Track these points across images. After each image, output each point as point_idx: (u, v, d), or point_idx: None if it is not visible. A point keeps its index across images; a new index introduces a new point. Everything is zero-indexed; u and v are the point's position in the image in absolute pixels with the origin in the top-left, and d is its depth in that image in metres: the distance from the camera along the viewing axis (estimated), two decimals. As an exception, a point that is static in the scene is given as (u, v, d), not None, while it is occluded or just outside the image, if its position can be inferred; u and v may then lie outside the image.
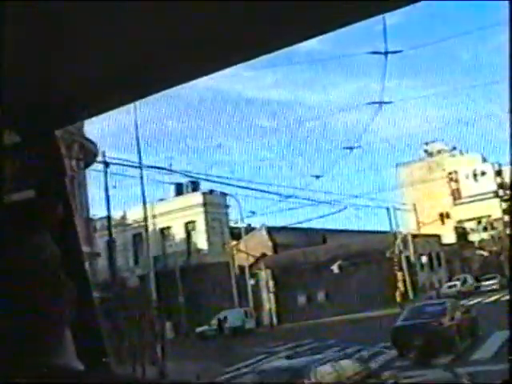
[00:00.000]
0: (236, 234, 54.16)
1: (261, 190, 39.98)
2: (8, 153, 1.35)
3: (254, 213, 47.43)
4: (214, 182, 57.49)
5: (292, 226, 56.65)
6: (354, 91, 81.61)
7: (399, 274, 45.11)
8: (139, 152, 29.83)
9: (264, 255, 57.15)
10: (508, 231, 79.70)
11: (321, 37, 1.40)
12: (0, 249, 0.94)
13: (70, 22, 1.18)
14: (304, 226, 56.10)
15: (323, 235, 61.78)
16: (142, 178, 30.43)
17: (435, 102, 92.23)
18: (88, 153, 24.76)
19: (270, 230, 59.30)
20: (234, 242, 47.06)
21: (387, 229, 52.65)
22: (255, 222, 61.18)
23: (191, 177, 43.10)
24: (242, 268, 49.72)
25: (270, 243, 59.81)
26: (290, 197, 37.04)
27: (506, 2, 1.24)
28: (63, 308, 0.97)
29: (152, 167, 35.91)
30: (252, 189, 46.60)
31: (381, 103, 27.40)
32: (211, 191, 48.24)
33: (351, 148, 32.97)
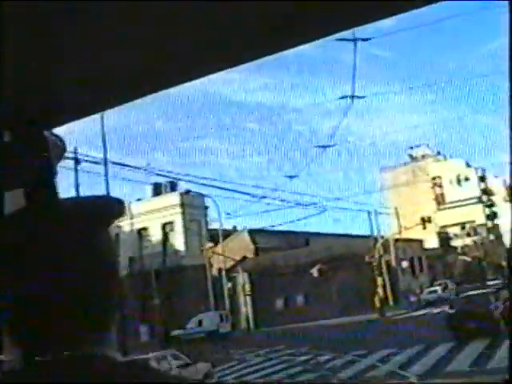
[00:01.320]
0: (217, 236, 53.36)
1: (241, 192, 39.13)
2: None
3: (229, 214, 46.62)
4: (193, 182, 56.49)
5: (274, 229, 56.31)
6: (340, 94, 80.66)
7: (379, 279, 44.27)
8: (105, 149, 28.73)
9: (245, 258, 56.38)
10: (491, 237, 79.57)
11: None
12: (66, 244, 1.01)
13: (66, 22, 1.18)
14: (287, 228, 55.68)
15: (306, 238, 61.20)
16: (106, 175, 29.34)
17: (421, 106, 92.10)
18: (53, 148, 23.69)
19: (252, 233, 58.49)
20: (211, 244, 46.00)
21: (374, 233, 51.94)
22: (235, 223, 60.38)
23: (168, 177, 42.16)
24: (220, 271, 48.82)
25: (251, 246, 59.01)
26: (264, 197, 35.98)
27: (506, 2, 1.20)
28: (117, 300, 1.06)
29: (127, 166, 34.83)
30: (231, 190, 45.48)
31: (353, 97, 26.72)
32: (187, 191, 47.24)
33: (324, 147, 32.09)
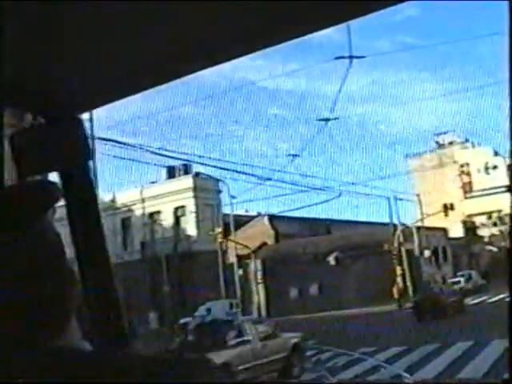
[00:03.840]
0: (236, 222, 52.14)
1: (248, 174, 37.41)
2: (32, 137, 1.43)
3: (234, 197, 44.97)
4: (206, 165, 54.73)
5: (296, 216, 55.15)
6: (368, 83, 78.80)
7: (398, 269, 42.24)
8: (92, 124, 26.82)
9: (265, 244, 55.13)
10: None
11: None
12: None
13: (90, 10, 1.23)
14: (309, 215, 54.64)
15: (328, 225, 59.91)
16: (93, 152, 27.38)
17: (449, 94, 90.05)
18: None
19: (273, 219, 57.11)
20: (220, 229, 44.27)
21: (394, 220, 49.84)
22: (246, 208, 59.17)
23: (182, 159, 40.60)
24: (239, 257, 47.26)
25: (271, 232, 57.70)
26: (269, 179, 34.29)
27: (506, 2, 1.22)
28: (65, 292, 1.00)
29: (140, 148, 33.27)
30: (237, 171, 43.09)
31: (351, 57, 25.47)
32: (197, 174, 45.60)
33: (327, 120, 30.29)
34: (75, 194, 1.43)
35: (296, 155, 35.87)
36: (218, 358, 13.65)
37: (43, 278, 0.96)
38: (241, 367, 14.79)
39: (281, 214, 55.73)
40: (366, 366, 16.51)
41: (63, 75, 1.41)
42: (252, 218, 57.66)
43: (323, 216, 58.25)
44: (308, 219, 57.06)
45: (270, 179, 34.14)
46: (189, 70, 1.47)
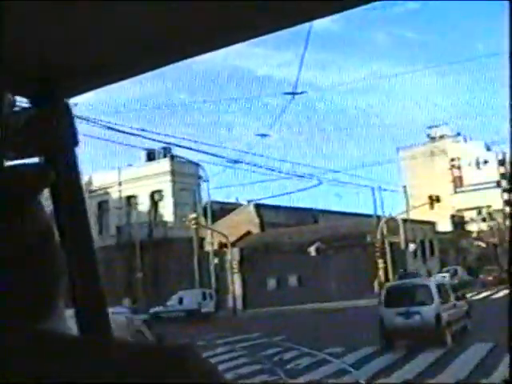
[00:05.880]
0: (221, 210, 50.74)
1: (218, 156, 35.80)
2: (18, 122, 1.38)
3: (206, 181, 43.44)
4: (190, 148, 52.93)
5: (283, 205, 55.05)
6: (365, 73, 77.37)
7: (380, 262, 40.64)
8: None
9: (249, 233, 53.82)
10: (508, 223, 75.93)
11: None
12: None
13: None
14: (297, 205, 53.95)
15: (314, 215, 58.87)
16: None
17: (445, 87, 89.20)
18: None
19: (259, 207, 55.76)
20: (194, 215, 42.46)
21: (378, 212, 48.35)
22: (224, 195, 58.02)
23: (164, 142, 38.73)
24: (220, 245, 45.65)
25: (257, 220, 56.32)
26: (239, 162, 32.55)
27: (506, 2, 1.23)
28: (52, 276, 0.98)
29: (120, 131, 31.39)
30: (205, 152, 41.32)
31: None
32: (173, 157, 43.76)
33: (293, 94, 28.74)
34: (60, 179, 1.38)
35: (265, 135, 34.72)
36: None
37: (34, 261, 0.91)
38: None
39: (268, 203, 54.64)
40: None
41: (51, 58, 1.37)
42: (233, 204, 56.47)
43: (311, 205, 57.76)
44: (295, 208, 56.32)
45: (240, 162, 32.50)
46: (180, 56, 1.44)
